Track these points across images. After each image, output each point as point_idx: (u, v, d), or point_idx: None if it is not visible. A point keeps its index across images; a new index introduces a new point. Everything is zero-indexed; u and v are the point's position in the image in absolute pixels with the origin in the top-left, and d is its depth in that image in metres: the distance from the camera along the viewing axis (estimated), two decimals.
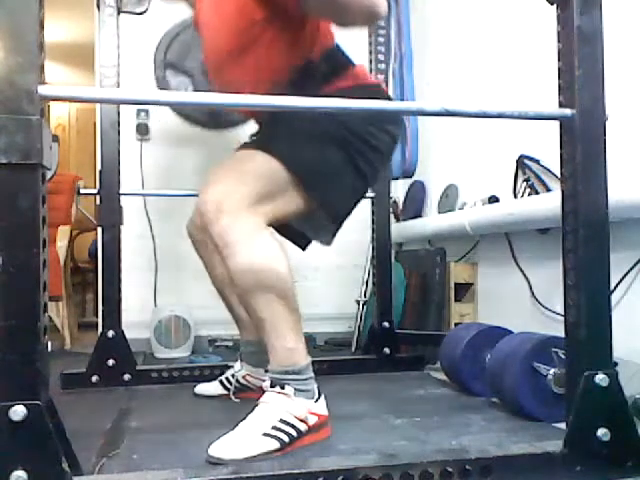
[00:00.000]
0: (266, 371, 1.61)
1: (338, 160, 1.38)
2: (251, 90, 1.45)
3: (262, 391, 1.31)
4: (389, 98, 1.56)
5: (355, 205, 1.47)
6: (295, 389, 1.26)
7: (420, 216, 2.74)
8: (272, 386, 1.27)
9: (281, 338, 1.28)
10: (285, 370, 1.27)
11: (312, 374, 1.32)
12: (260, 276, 1.26)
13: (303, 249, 1.60)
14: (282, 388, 1.26)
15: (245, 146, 1.48)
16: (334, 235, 1.50)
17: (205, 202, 1.28)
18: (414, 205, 2.80)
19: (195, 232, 1.67)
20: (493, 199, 2.13)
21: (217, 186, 1.31)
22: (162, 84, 2.24)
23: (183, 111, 2.10)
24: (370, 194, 2.24)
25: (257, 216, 1.28)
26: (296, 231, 1.54)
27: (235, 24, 1.40)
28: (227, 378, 1.74)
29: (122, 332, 1.96)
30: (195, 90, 2.15)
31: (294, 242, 1.56)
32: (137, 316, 2.55)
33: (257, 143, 1.44)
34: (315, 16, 1.39)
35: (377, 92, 1.51)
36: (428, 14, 2.75)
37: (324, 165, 1.38)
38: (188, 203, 2.77)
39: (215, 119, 2.06)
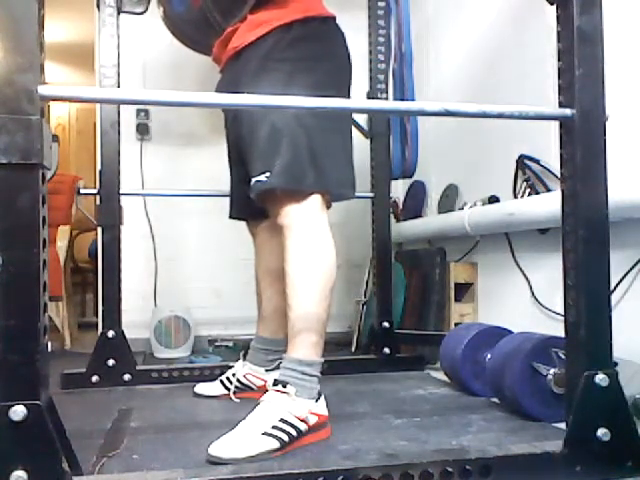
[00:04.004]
0: (267, 371, 1.61)
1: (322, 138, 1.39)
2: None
3: (263, 391, 1.31)
4: (342, 35, 1.52)
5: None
6: (298, 386, 1.27)
7: (420, 216, 2.74)
8: (274, 385, 1.28)
9: (310, 329, 1.32)
10: (299, 360, 1.30)
11: (319, 374, 1.33)
12: (315, 265, 1.33)
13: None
14: (284, 387, 1.26)
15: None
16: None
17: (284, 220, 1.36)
18: (414, 205, 2.80)
19: (256, 227, 1.72)
20: (493, 199, 2.13)
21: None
22: None
23: (181, 29, 1.90)
24: (370, 194, 2.24)
25: (322, 204, 1.36)
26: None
27: None
28: (227, 378, 1.74)
29: (122, 332, 1.96)
30: (193, 5, 1.94)
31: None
32: (137, 316, 2.55)
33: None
34: None
35: (320, 28, 1.47)
36: (428, 14, 2.75)
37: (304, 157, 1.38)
38: (188, 203, 2.80)
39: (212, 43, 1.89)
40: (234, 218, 1.74)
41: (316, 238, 1.37)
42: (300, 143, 1.35)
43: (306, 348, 1.32)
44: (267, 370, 1.66)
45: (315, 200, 1.37)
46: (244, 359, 1.73)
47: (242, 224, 1.76)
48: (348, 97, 1.49)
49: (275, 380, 1.29)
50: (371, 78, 2.24)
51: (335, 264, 1.38)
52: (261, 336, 1.72)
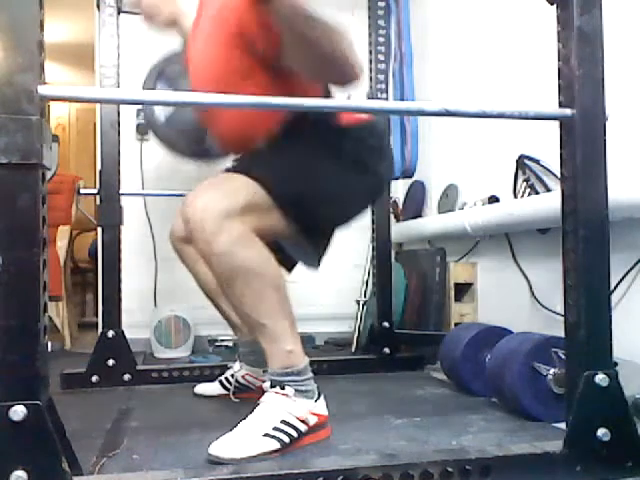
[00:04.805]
0: (264, 371, 1.61)
1: (320, 189, 1.37)
2: (241, 141, 1.46)
3: (262, 391, 1.31)
4: (380, 133, 1.55)
5: (334, 231, 1.49)
6: (295, 390, 1.26)
7: (420, 216, 2.74)
8: (272, 386, 1.27)
9: (278, 341, 1.27)
10: (284, 372, 1.27)
11: (311, 374, 1.31)
12: (251, 282, 1.24)
13: (289, 271, 1.60)
14: (282, 388, 1.25)
15: (227, 170, 1.49)
16: (319, 260, 1.49)
17: (192, 211, 1.24)
18: (414, 205, 2.80)
19: (178, 242, 1.69)
20: (493, 199, 2.13)
21: (202, 196, 1.26)
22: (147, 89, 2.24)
23: (164, 137, 2.10)
24: None
25: (242, 224, 1.24)
26: (282, 252, 1.52)
27: (218, 73, 1.39)
28: (227, 378, 1.75)
29: (122, 332, 1.96)
30: (175, 112, 2.15)
31: (280, 263, 1.48)
32: (137, 316, 2.54)
33: (237, 168, 1.44)
34: (295, 69, 1.32)
35: (373, 128, 1.50)
36: (428, 14, 2.75)
37: (305, 194, 1.35)
38: None
39: (197, 150, 2.05)
40: None
41: (240, 254, 1.24)
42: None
43: (283, 360, 1.27)
44: (264, 371, 1.66)
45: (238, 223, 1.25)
46: (240, 360, 1.73)
47: None
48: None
49: (272, 381, 1.28)
50: (371, 78, 2.23)
51: (274, 266, 1.28)
52: (244, 341, 1.71)
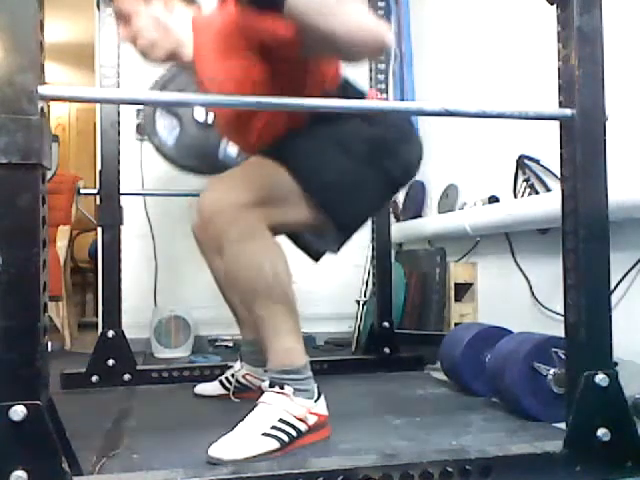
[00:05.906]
0: (265, 371, 1.61)
1: (354, 175, 1.37)
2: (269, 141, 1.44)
3: (261, 391, 1.31)
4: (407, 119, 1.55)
5: (367, 219, 1.49)
6: (294, 389, 1.26)
7: (420, 216, 2.74)
8: (271, 386, 1.27)
9: (279, 338, 1.28)
10: (283, 370, 1.27)
11: (310, 374, 1.31)
12: (257, 276, 1.26)
13: (316, 260, 1.60)
14: (281, 388, 1.25)
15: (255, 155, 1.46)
16: (341, 245, 1.49)
17: (204, 203, 1.28)
18: (414, 205, 2.79)
19: (198, 232, 1.68)
20: (493, 199, 2.13)
21: (217, 187, 1.30)
22: (149, 122, 2.31)
23: (177, 161, 2.14)
24: None
25: (255, 218, 1.26)
26: (303, 240, 1.55)
27: (241, 89, 1.34)
28: (227, 378, 1.74)
29: (122, 332, 1.96)
30: (181, 134, 2.24)
31: (304, 251, 1.57)
32: (137, 316, 2.54)
33: (267, 154, 1.40)
34: (319, 57, 1.32)
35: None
36: (428, 14, 2.75)
37: (338, 181, 1.35)
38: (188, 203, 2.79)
39: (212, 164, 2.06)
40: None
41: (250, 251, 1.25)
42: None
43: (284, 357, 1.28)
44: (266, 371, 1.66)
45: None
46: (241, 360, 1.73)
47: None
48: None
49: (271, 381, 1.28)
50: (371, 78, 2.23)
51: (283, 265, 1.29)
52: (247, 339, 1.71)
